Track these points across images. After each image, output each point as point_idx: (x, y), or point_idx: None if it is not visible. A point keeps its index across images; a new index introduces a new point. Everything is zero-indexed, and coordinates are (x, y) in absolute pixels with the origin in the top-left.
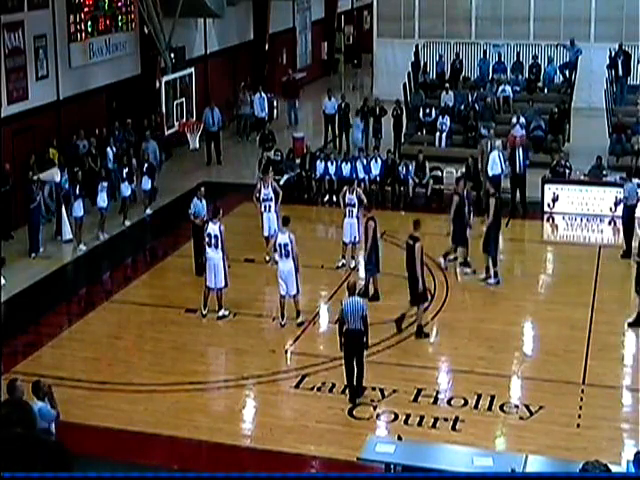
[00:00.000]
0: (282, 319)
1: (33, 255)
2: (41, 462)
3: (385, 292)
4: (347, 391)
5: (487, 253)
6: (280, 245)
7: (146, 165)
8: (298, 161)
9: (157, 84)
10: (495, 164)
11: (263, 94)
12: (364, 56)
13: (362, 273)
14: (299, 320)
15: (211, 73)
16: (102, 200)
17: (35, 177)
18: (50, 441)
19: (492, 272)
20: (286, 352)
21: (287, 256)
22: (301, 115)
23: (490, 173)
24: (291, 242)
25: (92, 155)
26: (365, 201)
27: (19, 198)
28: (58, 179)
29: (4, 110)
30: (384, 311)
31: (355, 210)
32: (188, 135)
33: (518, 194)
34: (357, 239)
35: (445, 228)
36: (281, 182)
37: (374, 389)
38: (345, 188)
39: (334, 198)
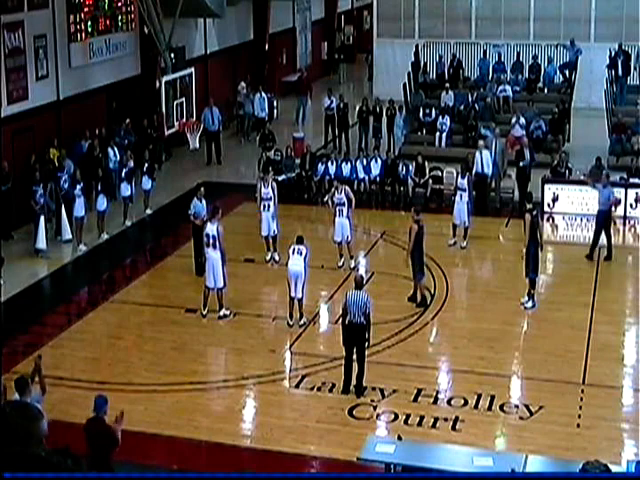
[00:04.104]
0: (291, 319)
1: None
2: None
3: (385, 292)
4: (342, 383)
5: (527, 276)
6: (295, 249)
7: (146, 165)
8: (298, 161)
9: (157, 84)
10: (488, 164)
11: (263, 94)
12: (359, 56)
13: (362, 271)
14: (302, 322)
15: (211, 73)
16: (101, 202)
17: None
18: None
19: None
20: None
21: (300, 254)
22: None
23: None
24: (307, 248)
25: (93, 156)
26: (354, 199)
27: (19, 198)
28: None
29: (4, 110)
30: (384, 311)
31: (345, 209)
32: (188, 135)
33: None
34: (349, 238)
35: (445, 228)
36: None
37: (374, 389)
38: (333, 188)
39: (333, 198)
